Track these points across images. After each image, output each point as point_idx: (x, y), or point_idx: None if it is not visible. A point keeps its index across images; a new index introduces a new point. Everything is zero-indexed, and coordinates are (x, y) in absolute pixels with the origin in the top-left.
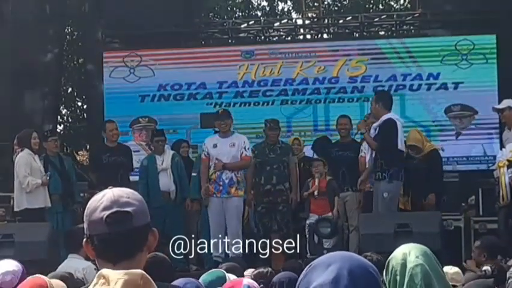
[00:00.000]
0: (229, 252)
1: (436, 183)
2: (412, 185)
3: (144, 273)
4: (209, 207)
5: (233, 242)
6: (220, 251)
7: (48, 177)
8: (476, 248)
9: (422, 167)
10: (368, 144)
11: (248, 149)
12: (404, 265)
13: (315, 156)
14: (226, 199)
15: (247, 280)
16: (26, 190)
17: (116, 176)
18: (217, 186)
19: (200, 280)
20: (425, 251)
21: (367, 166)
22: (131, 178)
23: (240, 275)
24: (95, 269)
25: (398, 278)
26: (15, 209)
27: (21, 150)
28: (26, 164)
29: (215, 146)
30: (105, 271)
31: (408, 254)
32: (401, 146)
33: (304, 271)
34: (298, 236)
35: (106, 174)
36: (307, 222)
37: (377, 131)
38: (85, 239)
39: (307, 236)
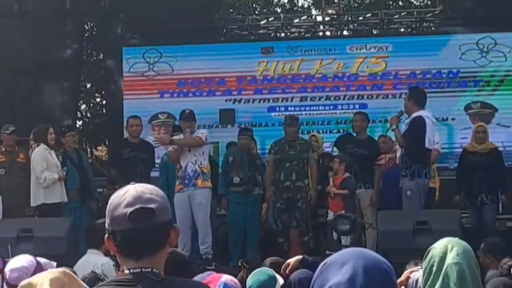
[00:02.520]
0: (202, 248)
1: (499, 181)
2: (473, 182)
3: (66, 269)
4: (175, 203)
5: (203, 238)
6: (186, 248)
7: (64, 172)
8: (480, 252)
9: (483, 165)
10: (396, 141)
11: (202, 133)
12: (443, 258)
13: (337, 153)
14: (192, 191)
15: (225, 277)
16: (43, 185)
17: (135, 171)
18: (184, 181)
19: (250, 280)
20: (467, 250)
21: (397, 163)
22: (152, 174)
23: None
24: (113, 265)
25: (434, 269)
26: (32, 204)
27: (37, 146)
28: (43, 159)
29: None
30: (25, 281)
31: (450, 249)
32: (428, 144)
33: (318, 269)
34: (317, 232)
35: (125, 169)
36: (328, 218)
37: (406, 129)
38: (106, 235)
39: (327, 232)
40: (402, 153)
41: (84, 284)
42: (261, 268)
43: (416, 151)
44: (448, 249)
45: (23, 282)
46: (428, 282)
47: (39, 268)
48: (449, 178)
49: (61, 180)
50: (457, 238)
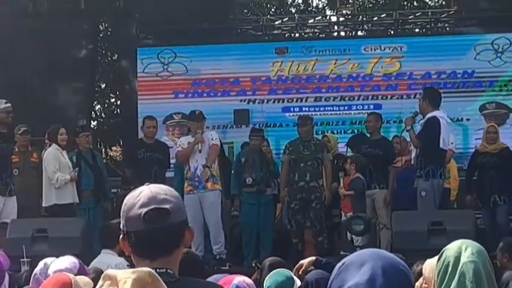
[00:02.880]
0: (215, 248)
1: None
2: (485, 183)
3: (152, 270)
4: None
5: (215, 238)
6: (199, 248)
7: (76, 173)
8: (498, 251)
9: (494, 165)
10: (411, 141)
11: (215, 139)
12: (458, 258)
13: (350, 154)
14: (202, 194)
15: (237, 279)
16: (55, 186)
17: (150, 172)
18: (193, 183)
19: (267, 281)
20: (481, 250)
21: (412, 163)
22: (167, 174)
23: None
24: (128, 265)
25: (449, 269)
26: (44, 204)
27: (50, 146)
28: (55, 160)
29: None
30: (110, 272)
31: (465, 249)
32: (443, 145)
33: (336, 270)
34: (331, 233)
35: (140, 170)
36: (342, 219)
37: (420, 129)
38: (121, 236)
39: (341, 233)
40: (417, 153)
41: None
42: (279, 269)
43: (431, 152)
44: (462, 249)
45: (109, 272)
46: (444, 283)
47: (82, 269)
48: (463, 179)
49: (73, 181)
50: (470, 240)
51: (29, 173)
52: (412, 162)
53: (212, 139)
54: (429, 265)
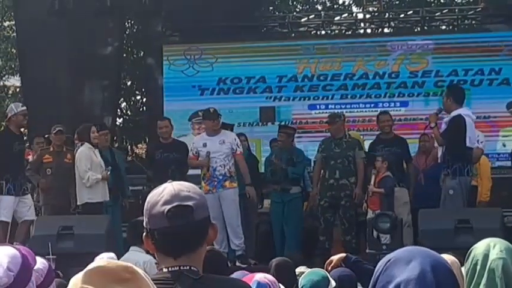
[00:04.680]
0: (237, 243)
1: None
2: None
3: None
4: None
5: (236, 235)
6: (222, 246)
7: (109, 172)
8: None
9: None
10: (435, 139)
11: (239, 145)
12: (486, 256)
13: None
14: (221, 192)
15: (258, 275)
16: (86, 185)
17: (167, 172)
18: (212, 183)
19: (302, 280)
20: (509, 247)
21: (439, 161)
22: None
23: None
24: (156, 263)
25: (478, 267)
26: (78, 203)
27: (82, 145)
28: (87, 159)
29: (205, 145)
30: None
31: (493, 246)
32: (469, 143)
33: (382, 265)
34: (358, 231)
35: (158, 170)
36: (368, 217)
37: (445, 127)
38: (145, 233)
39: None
40: (443, 151)
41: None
42: (314, 269)
43: (457, 150)
44: (490, 246)
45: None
46: (474, 281)
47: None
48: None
49: (104, 180)
50: (498, 238)
51: (62, 173)
52: (439, 160)
53: (237, 145)
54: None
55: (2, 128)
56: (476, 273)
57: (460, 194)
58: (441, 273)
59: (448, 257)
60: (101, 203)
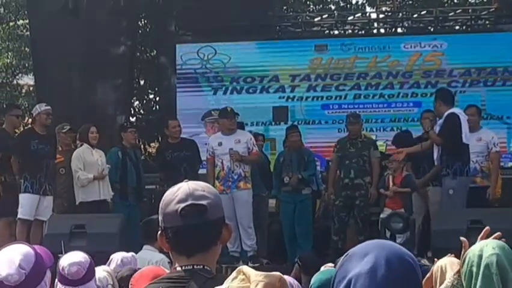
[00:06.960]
0: (249, 244)
1: None
2: None
3: (281, 276)
4: None
5: (249, 235)
6: (235, 246)
7: (107, 171)
8: None
9: None
10: (433, 141)
11: (255, 145)
12: (480, 256)
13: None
14: (235, 192)
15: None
16: (78, 184)
17: (180, 170)
18: (227, 183)
19: (314, 279)
20: (503, 245)
21: (435, 163)
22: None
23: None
24: (168, 262)
25: (474, 269)
26: (76, 203)
27: (81, 145)
28: (78, 159)
29: (220, 144)
30: (245, 269)
31: (486, 245)
32: (465, 139)
33: (341, 260)
34: (371, 231)
35: (170, 170)
36: (380, 216)
37: (440, 127)
38: (159, 232)
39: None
40: (439, 153)
41: None
42: (327, 268)
43: (455, 148)
44: (483, 247)
45: (244, 268)
46: (471, 284)
47: (92, 264)
48: (503, 177)
49: (99, 179)
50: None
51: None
52: (435, 163)
53: (253, 144)
54: (437, 264)
55: (27, 128)
56: (473, 274)
57: (460, 194)
58: (397, 267)
59: (449, 259)
60: (103, 201)
